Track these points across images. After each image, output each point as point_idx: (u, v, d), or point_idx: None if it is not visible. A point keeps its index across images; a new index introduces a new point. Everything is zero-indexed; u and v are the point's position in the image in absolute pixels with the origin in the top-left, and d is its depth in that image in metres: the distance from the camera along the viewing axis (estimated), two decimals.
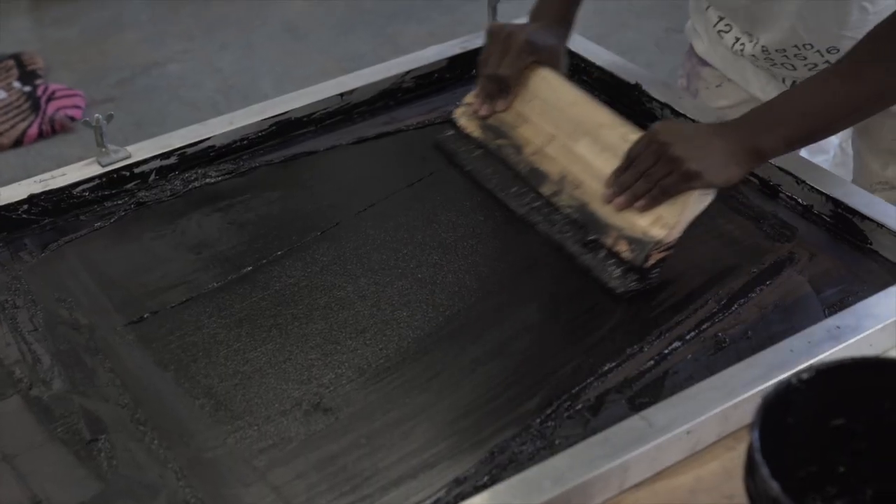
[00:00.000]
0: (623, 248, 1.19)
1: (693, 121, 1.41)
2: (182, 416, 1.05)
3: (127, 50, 3.39)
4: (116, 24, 3.56)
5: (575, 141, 1.30)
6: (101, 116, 1.39)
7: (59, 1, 3.70)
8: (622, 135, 1.25)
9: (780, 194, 1.33)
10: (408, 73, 1.58)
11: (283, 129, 1.50)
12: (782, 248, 1.25)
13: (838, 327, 1.07)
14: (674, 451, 0.97)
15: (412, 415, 1.04)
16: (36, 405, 1.06)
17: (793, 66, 1.41)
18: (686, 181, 1.16)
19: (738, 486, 0.95)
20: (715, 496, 0.96)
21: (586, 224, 1.23)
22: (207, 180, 1.41)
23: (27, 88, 3.13)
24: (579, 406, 1.04)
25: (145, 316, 1.17)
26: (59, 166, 1.38)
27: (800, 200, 1.31)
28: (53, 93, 3.07)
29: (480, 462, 0.98)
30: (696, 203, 1.17)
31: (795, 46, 1.37)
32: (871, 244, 1.25)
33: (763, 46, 1.41)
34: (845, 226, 1.27)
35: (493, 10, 1.65)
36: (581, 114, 1.31)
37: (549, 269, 1.23)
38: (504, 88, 1.38)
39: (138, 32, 3.51)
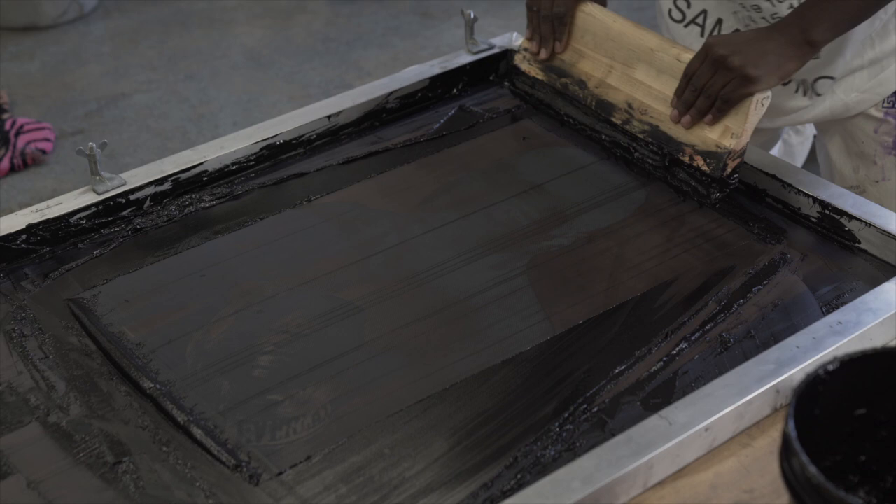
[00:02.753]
0: (701, 163, 1.30)
1: None
2: (201, 436, 1.05)
3: (91, 82, 3.37)
4: (76, 58, 3.54)
5: (632, 68, 1.38)
6: (94, 145, 1.39)
7: (15, 36, 3.67)
8: (675, 55, 1.33)
9: (768, 198, 1.36)
10: (391, 93, 1.60)
11: (274, 152, 1.51)
12: (774, 249, 1.29)
13: (840, 323, 1.11)
14: (694, 448, 1.00)
15: (432, 425, 1.06)
16: (55, 431, 1.07)
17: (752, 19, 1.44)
18: (745, 86, 1.24)
19: (756, 481, 0.99)
20: (735, 491, 0.98)
21: (662, 145, 1.34)
22: (202, 204, 1.42)
23: None
24: (595, 409, 1.06)
25: (158, 339, 1.17)
26: (33, 199, 1.39)
27: (788, 203, 1.35)
28: (22, 126, 3.04)
29: (505, 467, 1.00)
30: (757, 108, 1.26)
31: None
32: (859, 243, 1.28)
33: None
34: (833, 226, 1.31)
35: (471, 31, 1.68)
36: (633, 41, 1.39)
37: (548, 269, 1.26)
38: (558, 28, 1.44)
39: (100, 65, 3.49)
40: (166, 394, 1.10)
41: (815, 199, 1.32)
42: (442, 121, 1.54)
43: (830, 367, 0.82)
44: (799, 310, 1.19)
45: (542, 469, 0.99)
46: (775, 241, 1.30)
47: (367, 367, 1.13)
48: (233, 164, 1.48)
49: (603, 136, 1.42)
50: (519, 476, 0.99)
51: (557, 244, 1.31)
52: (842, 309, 1.13)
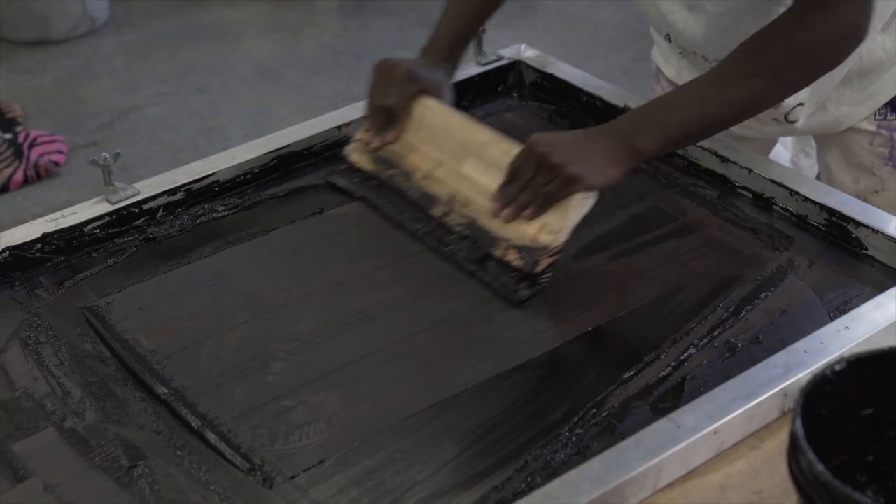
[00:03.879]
0: (513, 257, 1.23)
1: None
2: (215, 440, 1.07)
3: (103, 96, 3.41)
4: (89, 72, 3.58)
5: (461, 162, 1.33)
6: (108, 155, 1.41)
7: (28, 50, 3.71)
8: (505, 150, 1.29)
9: (776, 206, 1.37)
10: None
11: (285, 163, 1.53)
12: (781, 256, 1.30)
13: (847, 328, 1.12)
14: (702, 450, 1.01)
15: (442, 430, 1.07)
16: (71, 436, 1.08)
17: None
18: (567, 186, 1.21)
19: (765, 483, 1.00)
20: (744, 493, 0.99)
21: (477, 240, 1.28)
22: (214, 214, 1.43)
23: (8, 136, 3.14)
24: (605, 413, 1.07)
25: (172, 346, 1.19)
26: (47, 211, 1.40)
27: (794, 211, 1.36)
28: (35, 139, 3.07)
29: (516, 471, 1.01)
30: (578, 206, 1.22)
31: None
32: (866, 249, 1.29)
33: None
34: (841, 233, 1.32)
35: (479, 42, 1.69)
36: (465, 135, 1.35)
37: (558, 277, 1.27)
38: (391, 119, 1.41)
39: (112, 78, 3.53)
40: (181, 399, 1.11)
41: (822, 207, 1.33)
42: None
43: (837, 367, 0.83)
44: (807, 315, 1.20)
45: (552, 472, 1.00)
46: (783, 249, 1.31)
47: (378, 374, 1.15)
48: (245, 174, 1.49)
49: (418, 228, 1.34)
50: (529, 479, 1.00)
51: (567, 252, 1.32)
52: (849, 314, 1.14)
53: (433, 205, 1.34)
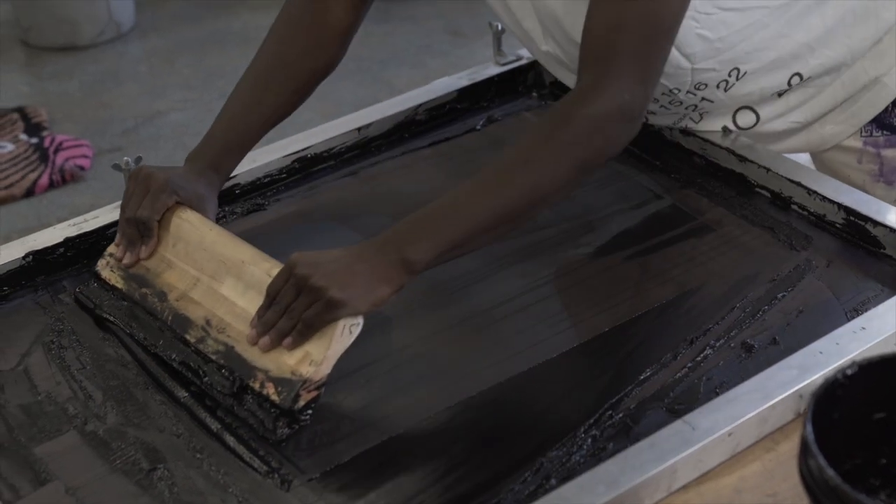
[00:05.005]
0: (271, 391, 1.10)
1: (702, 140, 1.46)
2: (234, 443, 1.08)
3: (128, 101, 3.44)
4: (114, 78, 3.61)
5: (219, 282, 1.22)
6: (129, 159, 1.43)
7: (54, 56, 3.75)
8: (266, 270, 1.17)
9: (793, 205, 1.37)
10: (420, 105, 1.63)
11: (304, 165, 1.54)
12: (799, 256, 1.29)
13: (863, 328, 1.11)
14: (717, 452, 1.01)
15: (459, 431, 1.08)
16: (92, 439, 1.10)
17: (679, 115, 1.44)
18: (330, 311, 1.08)
19: (779, 485, 1.00)
20: (758, 495, 0.99)
21: (234, 369, 1.14)
22: (234, 217, 1.45)
23: (34, 140, 3.18)
24: (620, 415, 1.08)
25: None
26: (71, 215, 1.42)
27: (812, 210, 1.35)
28: (61, 144, 3.11)
29: (531, 472, 1.01)
30: (342, 335, 1.10)
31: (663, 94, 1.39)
32: (884, 249, 1.29)
33: None
34: (859, 233, 1.31)
35: (499, 42, 1.70)
36: (224, 252, 1.23)
37: (575, 277, 1.28)
38: (146, 233, 1.27)
39: (137, 85, 3.56)
40: (200, 402, 1.12)
41: (839, 206, 1.32)
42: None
43: (849, 372, 0.83)
44: (824, 316, 1.19)
45: (567, 474, 1.00)
46: (801, 248, 1.30)
47: (396, 376, 1.16)
48: (265, 176, 1.51)
49: (173, 357, 1.19)
50: (544, 481, 1.00)
51: (584, 252, 1.32)
52: (866, 314, 1.14)
53: (188, 328, 1.20)
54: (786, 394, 1.03)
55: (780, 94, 1.39)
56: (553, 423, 1.07)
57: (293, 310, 1.10)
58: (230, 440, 1.08)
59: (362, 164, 1.56)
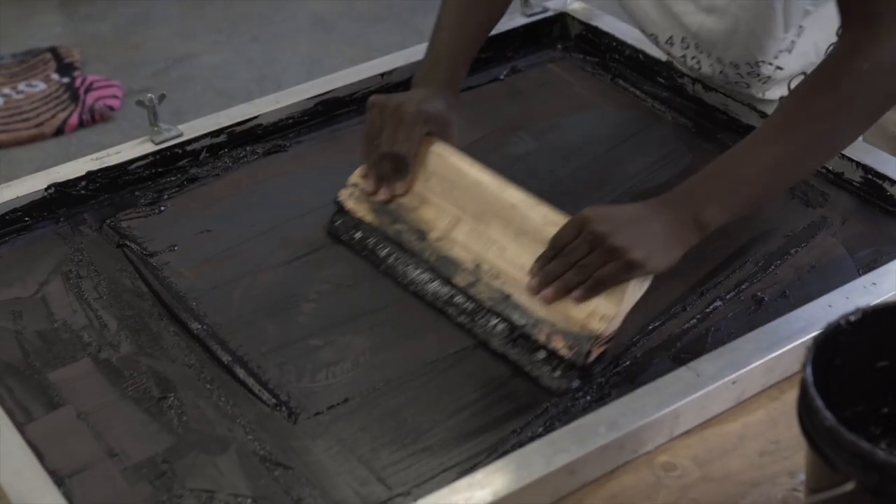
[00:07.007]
0: (559, 345, 1.07)
1: (725, 96, 1.45)
2: (243, 375, 1.10)
3: (159, 43, 3.45)
4: (146, 20, 3.62)
5: (485, 224, 1.17)
6: (153, 96, 1.44)
7: None
8: (542, 215, 1.13)
9: None
10: None
11: (327, 108, 1.54)
12: (815, 212, 1.29)
13: (874, 283, 1.12)
14: (720, 400, 1.02)
15: (465, 376, 1.09)
16: (106, 367, 1.11)
17: (747, 84, 1.43)
18: (628, 271, 1.06)
19: (783, 433, 1.00)
20: (762, 442, 1.00)
21: (511, 318, 1.11)
22: (255, 157, 1.46)
23: (65, 80, 3.20)
24: (627, 362, 1.08)
25: (207, 284, 1.22)
26: None
27: (830, 168, 1.35)
28: (91, 84, 3.12)
29: (535, 416, 1.03)
30: (634, 292, 1.08)
31: (748, 64, 1.39)
32: None
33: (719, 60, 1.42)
34: (875, 191, 1.31)
35: None
36: (488, 193, 1.18)
37: None
38: (401, 168, 1.23)
39: (168, 27, 3.57)
40: (212, 335, 1.14)
41: (858, 164, 1.32)
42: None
43: (852, 318, 0.83)
44: (836, 272, 1.19)
45: (571, 418, 1.01)
46: (816, 205, 1.30)
47: (406, 320, 1.17)
48: (287, 118, 1.51)
49: (441, 293, 1.17)
50: (548, 423, 1.02)
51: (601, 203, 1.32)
52: (877, 270, 1.14)
53: (456, 272, 1.16)
54: (792, 344, 1.04)
55: None
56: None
57: (586, 265, 1.07)
58: (240, 372, 1.09)
59: None
